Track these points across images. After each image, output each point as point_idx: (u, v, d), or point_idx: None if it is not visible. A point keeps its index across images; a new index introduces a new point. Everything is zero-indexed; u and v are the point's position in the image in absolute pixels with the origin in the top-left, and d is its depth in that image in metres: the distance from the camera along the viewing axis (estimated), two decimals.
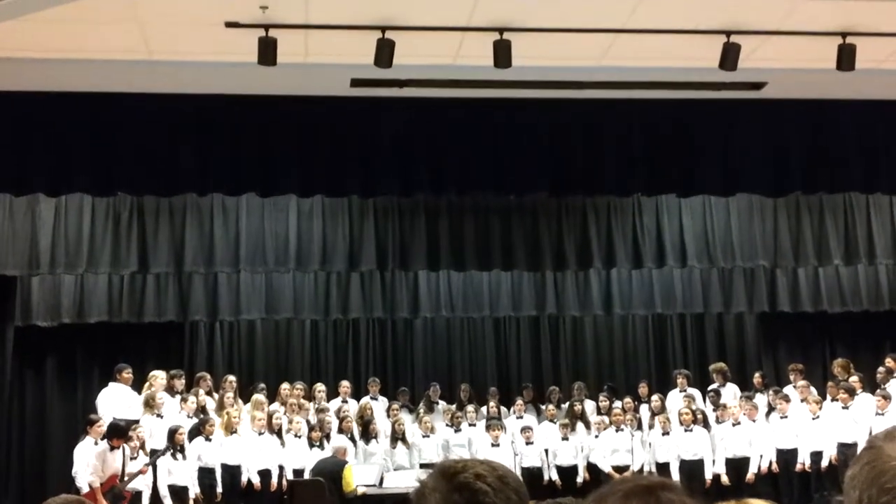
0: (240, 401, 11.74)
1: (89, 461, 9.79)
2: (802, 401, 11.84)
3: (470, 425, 12.41)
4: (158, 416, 10.95)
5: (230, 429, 11.01)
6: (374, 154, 10.06)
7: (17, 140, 9.53)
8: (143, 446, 10.36)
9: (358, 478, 10.85)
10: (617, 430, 12.04)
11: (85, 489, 9.58)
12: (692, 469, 11.55)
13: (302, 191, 10.78)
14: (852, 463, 1.61)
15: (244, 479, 10.96)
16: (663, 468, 11.58)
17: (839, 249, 12.72)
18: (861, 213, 12.70)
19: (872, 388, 11.70)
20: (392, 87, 9.37)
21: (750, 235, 12.80)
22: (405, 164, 10.18)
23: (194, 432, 10.82)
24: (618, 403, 12.61)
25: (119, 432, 9.98)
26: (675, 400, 12.59)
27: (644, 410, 12.53)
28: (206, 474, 10.71)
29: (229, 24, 8.17)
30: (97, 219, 11.76)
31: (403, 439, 12.04)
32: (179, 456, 10.48)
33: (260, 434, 11.18)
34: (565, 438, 12.23)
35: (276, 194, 10.91)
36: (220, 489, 10.78)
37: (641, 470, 11.67)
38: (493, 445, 11.77)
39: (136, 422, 10.57)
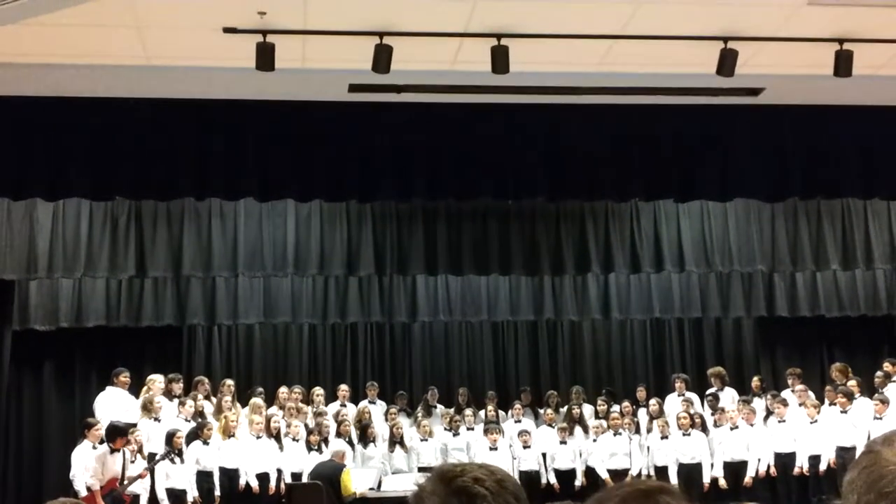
0: (238, 404, 11.73)
1: (87, 464, 9.78)
2: (801, 405, 11.86)
3: (468, 429, 12.42)
4: (156, 419, 10.95)
5: (228, 432, 11.01)
6: (373, 159, 10.06)
7: (16, 144, 9.53)
8: (140, 450, 10.35)
9: (356, 482, 10.85)
10: (615, 434, 12.04)
11: (83, 492, 9.58)
12: (690, 473, 11.56)
13: (300, 196, 10.81)
14: (851, 467, 1.61)
15: (242, 482, 10.96)
16: (661, 472, 11.59)
17: (837, 254, 12.73)
18: (859, 219, 12.71)
19: (870, 392, 11.72)
20: (390, 93, 9.38)
21: (748, 240, 12.82)
22: (403, 169, 10.18)
23: (192, 436, 10.81)
24: (616, 407, 12.62)
25: (119, 432, 9.97)
26: (673, 404, 12.59)
27: (642, 414, 12.54)
28: (204, 478, 10.71)
29: (227, 30, 8.17)
30: (95, 223, 11.77)
31: (402, 443, 12.04)
32: (177, 459, 10.48)
33: (258, 438, 11.18)
34: (563, 442, 12.24)
35: (274, 199, 10.94)
36: (217, 493, 10.77)
37: (640, 474, 11.67)
38: (491, 449, 11.77)
39: (134, 425, 10.56)
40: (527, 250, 12.46)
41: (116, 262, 11.81)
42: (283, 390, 12.27)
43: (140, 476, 10.03)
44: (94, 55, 8.62)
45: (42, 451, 12.72)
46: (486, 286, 13.58)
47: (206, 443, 10.78)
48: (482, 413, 12.79)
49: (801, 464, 11.51)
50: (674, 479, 11.32)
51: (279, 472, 11.18)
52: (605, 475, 11.74)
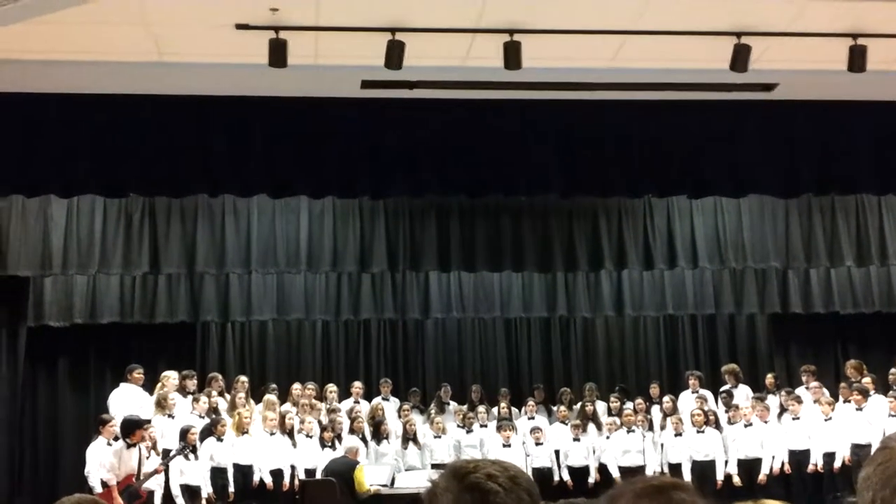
0: (251, 401, 11.76)
1: (102, 460, 9.82)
2: (815, 402, 11.81)
3: (481, 426, 12.42)
4: (170, 416, 10.98)
5: (242, 429, 11.04)
6: (385, 155, 10.07)
7: (30, 142, 9.57)
8: (154, 446, 10.39)
9: (369, 478, 10.87)
10: (628, 431, 12.02)
11: (98, 488, 9.61)
12: (704, 470, 11.53)
13: (313, 192, 10.82)
14: (866, 464, 1.61)
15: (256, 479, 10.99)
16: (675, 469, 11.56)
17: (851, 250, 12.68)
18: (873, 215, 12.66)
19: (885, 389, 11.66)
20: (402, 89, 9.38)
21: (761, 236, 12.78)
22: (415, 165, 10.19)
23: (206, 432, 10.84)
24: (629, 404, 12.60)
25: (135, 425, 9.99)
26: (687, 401, 12.57)
27: (655, 411, 12.52)
28: (218, 474, 10.74)
29: (240, 27, 8.18)
30: (109, 220, 11.81)
31: (415, 440, 12.05)
32: (192, 456, 10.51)
33: (272, 434, 11.20)
34: (577, 439, 12.22)
35: (287, 196, 10.95)
36: (232, 489, 10.81)
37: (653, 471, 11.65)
38: (504, 446, 11.76)
39: (148, 422, 10.59)
40: (540, 247, 12.45)
41: (130, 258, 11.86)
42: (296, 387, 12.28)
43: (156, 471, 10.06)
44: (107, 52, 8.64)
45: (57, 447, 12.77)
46: (499, 283, 13.57)
47: (219, 439, 10.81)
48: (495, 410, 12.78)
49: (816, 461, 11.46)
50: (687, 476, 11.28)
51: (293, 468, 11.20)
52: (617, 473, 11.72)
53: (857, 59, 8.55)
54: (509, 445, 11.81)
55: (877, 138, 10.39)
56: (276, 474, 11.08)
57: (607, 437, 12.15)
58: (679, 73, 9.34)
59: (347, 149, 10.00)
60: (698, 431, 11.75)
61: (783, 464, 11.63)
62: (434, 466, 11.40)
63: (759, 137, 10.32)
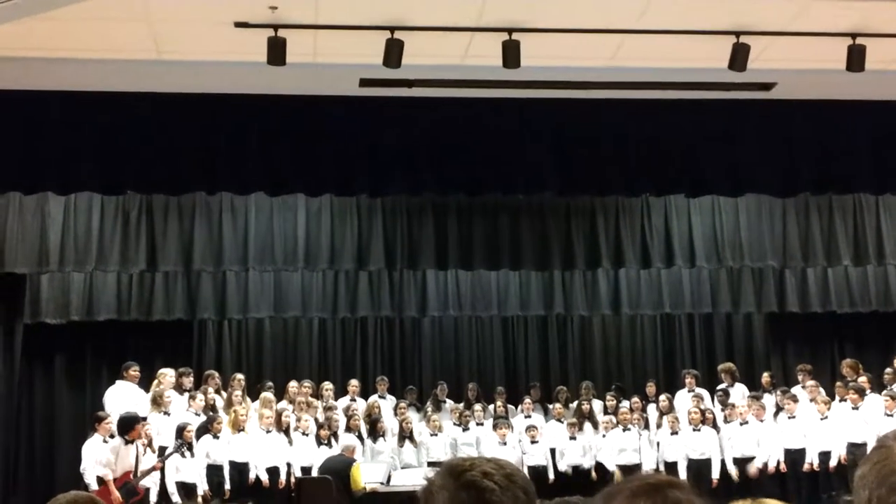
0: (248, 399, 11.76)
1: (99, 457, 9.82)
2: (811, 401, 11.82)
3: (478, 424, 12.42)
4: (166, 413, 10.97)
5: (238, 426, 11.03)
6: (383, 154, 10.06)
7: (27, 139, 9.56)
8: (150, 444, 10.38)
9: (366, 476, 10.87)
10: (624, 430, 12.03)
11: (93, 485, 9.62)
12: (700, 468, 11.54)
13: (310, 190, 10.81)
14: (862, 462, 1.61)
15: (252, 476, 10.99)
16: (671, 468, 11.57)
17: (848, 250, 12.70)
18: (870, 214, 12.68)
19: (880, 388, 11.68)
20: (401, 88, 9.38)
21: (759, 236, 12.79)
22: (414, 163, 10.19)
23: (202, 430, 10.84)
24: (625, 403, 12.61)
25: (133, 421, 10.00)
26: (683, 400, 12.58)
27: (652, 410, 12.52)
28: (214, 472, 10.74)
29: (238, 24, 8.18)
30: (106, 217, 11.80)
31: (411, 438, 12.05)
32: (188, 453, 10.50)
33: (268, 432, 11.20)
34: (573, 438, 12.23)
35: (284, 193, 10.94)
36: (228, 486, 10.80)
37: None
38: (500, 444, 11.76)
39: (144, 419, 10.59)
40: (537, 245, 12.45)
41: (127, 255, 11.85)
42: (293, 384, 12.28)
43: (154, 468, 10.07)
44: (106, 50, 8.64)
45: (53, 444, 12.77)
46: (497, 281, 13.57)
47: (216, 437, 10.81)
48: (492, 408, 12.79)
49: (812, 460, 11.48)
50: (683, 474, 11.31)
51: (289, 466, 11.20)
52: (614, 469, 11.72)
53: (855, 59, 8.55)
54: (506, 444, 11.80)
55: (875, 138, 10.39)
56: (273, 472, 11.07)
57: (603, 436, 12.16)
58: (677, 72, 9.34)
59: (345, 147, 9.99)
60: (694, 430, 11.76)
61: (779, 462, 11.64)
62: (430, 464, 11.39)
63: (757, 137, 10.32)
